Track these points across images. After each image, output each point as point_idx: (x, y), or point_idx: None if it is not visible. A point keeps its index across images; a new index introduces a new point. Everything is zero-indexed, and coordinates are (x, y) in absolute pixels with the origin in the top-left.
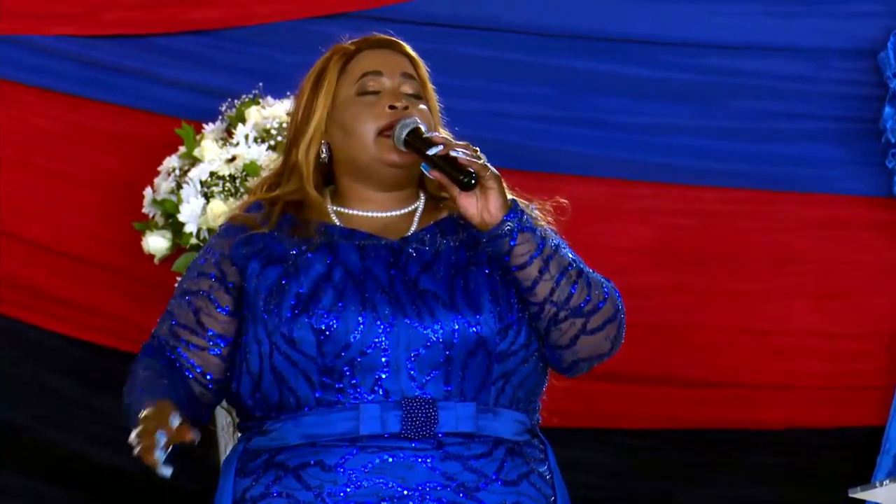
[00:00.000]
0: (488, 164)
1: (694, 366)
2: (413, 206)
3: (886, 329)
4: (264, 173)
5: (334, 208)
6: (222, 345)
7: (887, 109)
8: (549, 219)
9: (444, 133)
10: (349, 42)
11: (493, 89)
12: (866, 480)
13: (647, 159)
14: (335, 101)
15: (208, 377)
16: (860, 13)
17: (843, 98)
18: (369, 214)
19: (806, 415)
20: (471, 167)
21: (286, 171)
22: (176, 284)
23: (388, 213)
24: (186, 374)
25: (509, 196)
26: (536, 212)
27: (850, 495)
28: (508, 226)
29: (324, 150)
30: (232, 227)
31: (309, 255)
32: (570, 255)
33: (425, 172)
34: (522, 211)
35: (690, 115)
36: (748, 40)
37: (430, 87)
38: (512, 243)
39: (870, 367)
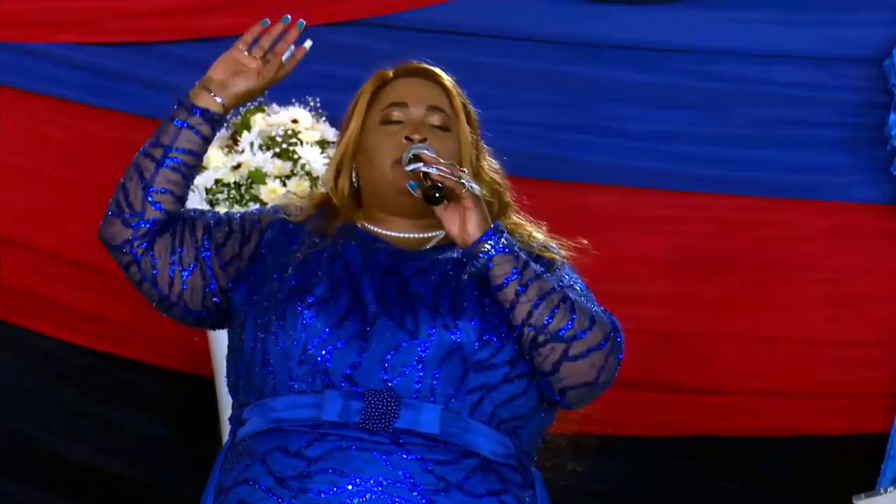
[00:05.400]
0: (467, 184)
1: (702, 373)
2: (432, 234)
3: (894, 337)
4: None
5: (362, 223)
6: (209, 260)
7: (893, 116)
8: (567, 253)
9: (486, 163)
10: (390, 68)
11: (500, 96)
12: (874, 487)
13: (655, 167)
14: (363, 128)
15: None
16: (866, 21)
17: (848, 105)
18: (391, 233)
19: (815, 422)
20: (442, 182)
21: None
22: None
23: (408, 234)
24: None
25: (505, 220)
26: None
27: (855, 502)
28: (485, 246)
29: (353, 174)
30: (278, 209)
31: (317, 246)
32: (559, 284)
33: (411, 191)
34: (502, 233)
35: (697, 123)
36: (755, 48)
37: (465, 117)
38: (489, 264)
39: (878, 375)
